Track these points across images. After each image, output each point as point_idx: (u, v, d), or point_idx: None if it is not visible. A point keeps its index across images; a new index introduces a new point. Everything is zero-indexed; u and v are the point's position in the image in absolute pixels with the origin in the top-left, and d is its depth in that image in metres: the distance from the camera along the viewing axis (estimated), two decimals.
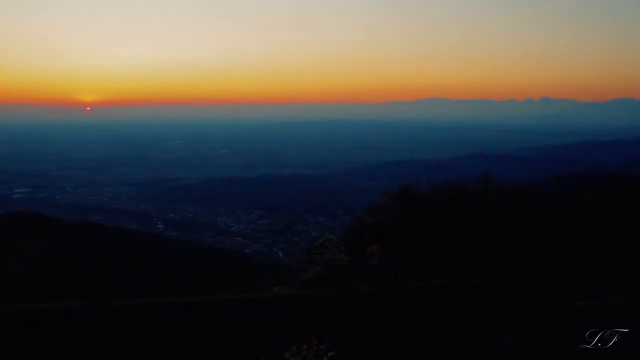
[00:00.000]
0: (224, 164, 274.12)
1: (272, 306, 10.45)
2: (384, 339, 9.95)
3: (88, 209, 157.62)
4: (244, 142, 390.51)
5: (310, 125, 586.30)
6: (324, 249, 12.85)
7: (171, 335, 9.61)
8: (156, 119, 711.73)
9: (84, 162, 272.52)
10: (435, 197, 20.66)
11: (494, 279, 12.16)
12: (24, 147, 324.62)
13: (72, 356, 9.30)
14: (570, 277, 11.78)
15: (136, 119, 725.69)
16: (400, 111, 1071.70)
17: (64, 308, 10.01)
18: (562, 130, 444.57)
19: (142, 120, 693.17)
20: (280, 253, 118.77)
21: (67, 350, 9.30)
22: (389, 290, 11.05)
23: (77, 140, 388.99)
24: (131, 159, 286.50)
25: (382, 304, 10.60)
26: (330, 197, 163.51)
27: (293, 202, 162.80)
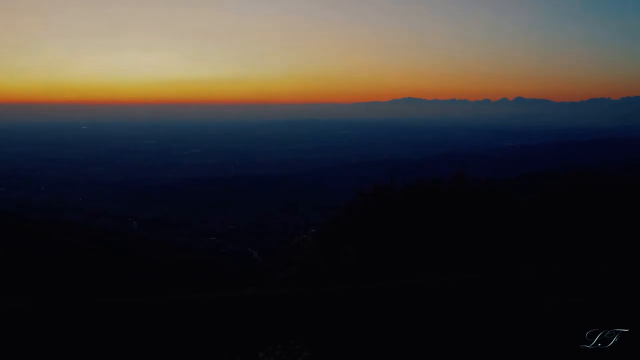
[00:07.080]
0: (197, 164, 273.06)
1: (247, 306, 10.44)
2: (358, 339, 9.98)
3: (62, 208, 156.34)
4: (216, 142, 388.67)
5: (283, 125, 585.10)
6: (298, 248, 12.85)
7: (143, 335, 9.56)
8: (129, 119, 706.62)
9: (59, 162, 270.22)
10: (409, 196, 20.78)
11: (469, 277, 12.23)
12: None
13: (48, 356, 9.23)
14: (540, 277, 11.89)
15: (109, 119, 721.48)
16: (374, 111, 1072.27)
17: (40, 306, 9.94)
18: (536, 130, 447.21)
19: (115, 120, 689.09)
20: (254, 253, 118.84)
21: (42, 350, 9.23)
22: (363, 290, 11.09)
23: (52, 140, 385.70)
24: (105, 159, 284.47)
25: (356, 303, 10.63)
26: (304, 197, 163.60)
27: (267, 202, 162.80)
